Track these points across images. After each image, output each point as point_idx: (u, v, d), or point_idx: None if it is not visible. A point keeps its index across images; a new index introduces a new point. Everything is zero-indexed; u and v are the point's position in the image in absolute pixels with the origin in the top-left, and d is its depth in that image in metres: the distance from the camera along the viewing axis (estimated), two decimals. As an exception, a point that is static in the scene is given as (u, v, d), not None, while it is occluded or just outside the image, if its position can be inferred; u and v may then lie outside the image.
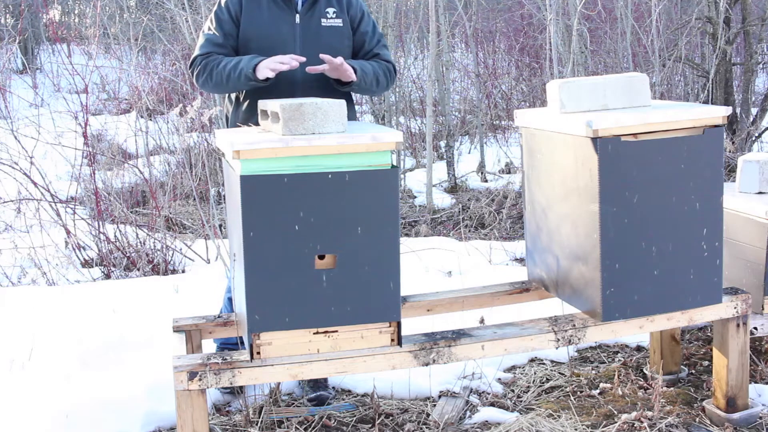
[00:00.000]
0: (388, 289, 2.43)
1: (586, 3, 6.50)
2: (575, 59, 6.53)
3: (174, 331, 2.86)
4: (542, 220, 2.94)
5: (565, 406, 3.06)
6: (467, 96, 9.93)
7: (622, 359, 3.51)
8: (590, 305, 2.69)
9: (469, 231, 5.90)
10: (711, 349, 3.16)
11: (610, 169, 2.54)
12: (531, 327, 2.69)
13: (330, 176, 2.35)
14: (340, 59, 2.88)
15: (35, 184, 4.99)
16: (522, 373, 3.41)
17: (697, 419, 2.94)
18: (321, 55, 2.87)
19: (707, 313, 2.79)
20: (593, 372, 3.40)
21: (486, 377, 3.30)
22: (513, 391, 3.26)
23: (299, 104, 2.41)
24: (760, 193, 3.22)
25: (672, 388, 3.18)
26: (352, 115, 3.11)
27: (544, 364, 3.50)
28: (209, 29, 3.04)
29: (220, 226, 5.26)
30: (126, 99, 10.19)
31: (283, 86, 2.91)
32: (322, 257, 2.39)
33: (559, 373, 3.39)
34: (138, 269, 4.82)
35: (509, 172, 7.75)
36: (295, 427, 2.91)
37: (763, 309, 3.09)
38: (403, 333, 2.53)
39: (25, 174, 4.97)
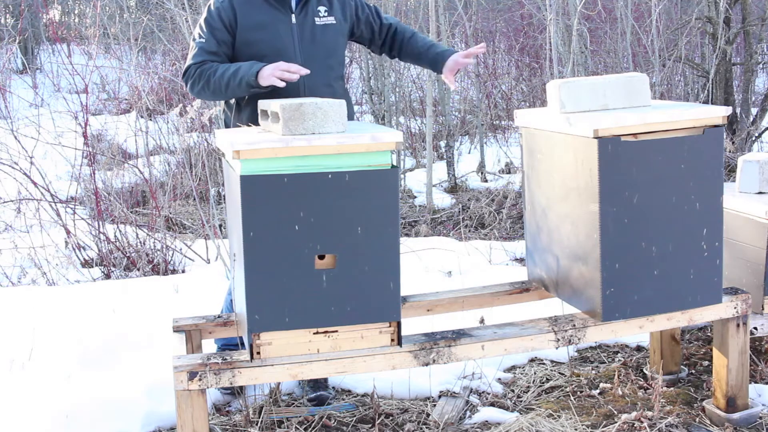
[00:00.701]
0: (388, 289, 2.43)
1: (586, 3, 6.50)
2: (575, 59, 6.53)
3: (174, 331, 2.86)
4: (542, 220, 2.94)
5: (565, 406, 3.06)
6: (467, 96, 9.93)
7: (622, 359, 3.51)
8: (590, 305, 2.69)
9: (469, 231, 5.90)
10: (711, 349, 3.16)
11: (610, 169, 2.54)
12: (531, 327, 2.69)
13: (330, 176, 2.35)
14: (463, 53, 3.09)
15: (35, 184, 4.99)
16: (522, 373, 3.41)
17: (697, 419, 2.94)
18: (473, 52, 3.08)
19: (707, 313, 2.79)
20: (593, 372, 3.40)
21: (486, 377, 3.30)
22: (513, 391, 3.26)
23: (299, 104, 2.41)
24: (760, 193, 3.22)
25: (672, 388, 3.18)
26: (350, 115, 3.11)
27: (544, 364, 3.50)
28: (200, 37, 2.98)
29: (220, 226, 5.26)
30: (126, 99, 10.19)
31: (285, 90, 2.87)
32: (322, 257, 2.39)
33: (559, 373, 3.39)
34: (138, 269, 4.82)
35: (509, 172, 7.75)
36: (295, 427, 2.91)
37: (763, 309, 3.09)
38: (403, 333, 2.53)
39: (25, 174, 4.97)
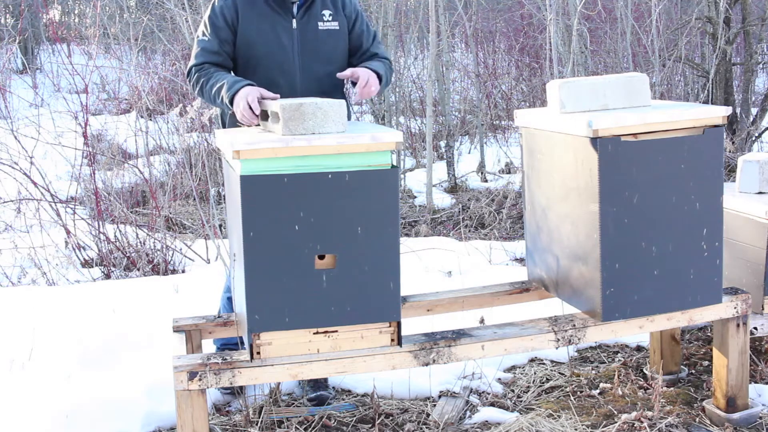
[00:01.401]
0: (388, 289, 2.43)
1: (586, 3, 6.50)
2: (575, 59, 6.53)
3: (174, 331, 2.86)
4: (542, 220, 2.94)
5: (565, 406, 3.06)
6: (467, 96, 9.93)
7: (622, 359, 3.51)
8: (590, 305, 2.69)
9: (469, 231, 5.90)
10: (711, 349, 3.16)
11: (610, 169, 2.54)
12: (531, 327, 2.69)
13: (330, 176, 2.35)
14: (365, 78, 2.91)
15: (35, 184, 4.99)
16: (522, 373, 3.41)
17: (697, 419, 2.94)
18: (352, 74, 2.93)
19: (707, 313, 2.79)
20: (593, 372, 3.40)
21: (486, 377, 3.30)
22: (513, 391, 3.26)
23: (299, 104, 2.41)
24: (760, 193, 3.22)
25: (672, 388, 3.18)
26: (348, 117, 3.10)
27: (544, 364, 3.50)
28: (203, 35, 2.98)
29: (220, 226, 5.26)
30: (126, 99, 10.19)
31: (284, 95, 2.86)
32: (322, 257, 2.39)
33: (559, 373, 3.39)
34: (138, 269, 4.82)
35: (509, 172, 7.75)
36: (295, 427, 2.91)
37: (763, 309, 3.09)
38: (403, 333, 2.53)
39: (25, 174, 4.97)
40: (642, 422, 2.87)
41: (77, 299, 4.02)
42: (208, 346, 3.26)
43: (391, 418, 3.03)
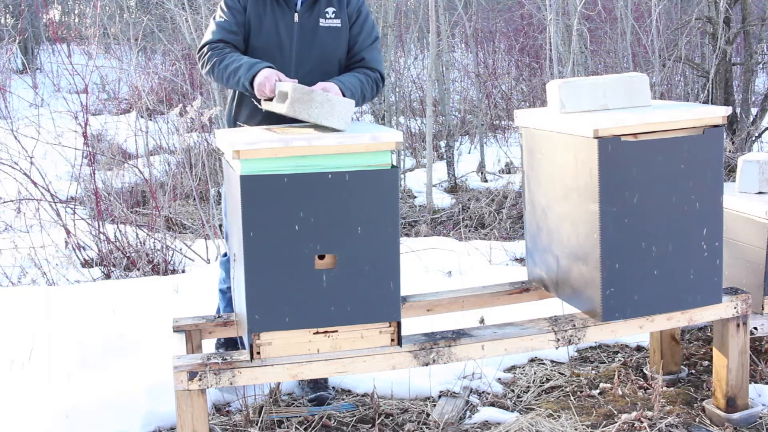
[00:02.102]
0: (388, 289, 2.43)
1: (586, 3, 6.50)
2: (575, 59, 6.53)
3: (174, 331, 2.87)
4: (542, 220, 2.94)
5: (565, 406, 3.05)
6: (467, 96, 9.93)
7: (622, 359, 3.50)
8: (590, 305, 2.69)
9: (469, 231, 5.90)
10: (711, 349, 3.16)
11: (610, 169, 2.54)
12: (531, 327, 2.69)
13: (330, 176, 2.35)
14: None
15: (35, 184, 4.99)
16: (522, 373, 3.41)
17: (697, 419, 2.94)
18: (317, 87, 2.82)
19: (707, 313, 2.79)
20: (593, 372, 3.40)
21: (486, 377, 3.30)
22: (513, 391, 3.26)
23: (311, 90, 2.42)
24: (760, 193, 3.22)
25: (672, 388, 3.18)
26: None
27: (544, 364, 3.50)
28: (220, 17, 2.97)
29: (220, 226, 5.26)
30: (126, 99, 10.18)
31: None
32: (322, 257, 2.39)
33: (559, 373, 3.39)
34: (138, 269, 4.82)
35: (509, 172, 7.75)
36: (295, 427, 2.91)
37: (763, 309, 3.09)
38: (403, 333, 2.53)
39: (25, 174, 4.97)
40: (642, 422, 2.87)
41: (77, 299, 4.02)
42: (208, 346, 3.26)
43: (391, 418, 3.03)
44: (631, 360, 3.47)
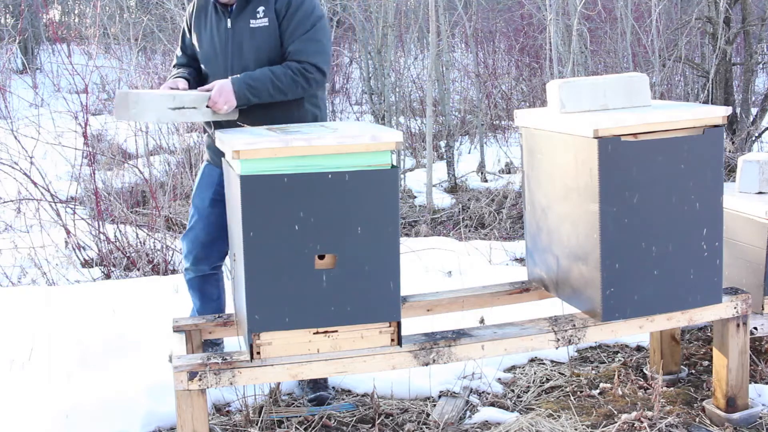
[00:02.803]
0: (388, 289, 2.43)
1: (586, 3, 6.50)
2: (575, 59, 6.53)
3: (174, 331, 2.86)
4: (542, 220, 2.94)
5: (565, 406, 3.06)
6: (467, 96, 9.93)
7: (622, 359, 3.51)
8: (590, 305, 2.69)
9: (469, 231, 5.90)
10: (711, 349, 3.16)
11: (610, 169, 2.54)
12: (531, 327, 2.69)
13: (330, 176, 2.35)
14: (207, 94, 2.83)
15: (35, 184, 4.99)
16: (522, 373, 3.41)
17: (697, 419, 2.94)
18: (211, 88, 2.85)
19: (707, 313, 2.79)
20: (593, 372, 3.40)
21: (486, 377, 3.30)
22: (513, 391, 3.26)
23: (125, 93, 2.67)
24: (760, 193, 3.22)
25: (672, 388, 3.18)
26: (312, 115, 3.03)
27: (544, 364, 3.50)
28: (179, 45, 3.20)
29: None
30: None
31: None
32: (322, 257, 2.39)
33: (559, 373, 3.39)
34: (138, 269, 4.82)
35: (509, 172, 7.75)
36: (295, 427, 2.91)
37: (763, 309, 3.09)
38: (403, 333, 2.53)
39: (25, 174, 4.97)
40: (642, 422, 2.87)
41: (77, 299, 4.02)
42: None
43: (391, 418, 3.03)
44: (631, 360, 3.47)
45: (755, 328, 3.07)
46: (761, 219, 3.04)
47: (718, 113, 2.65)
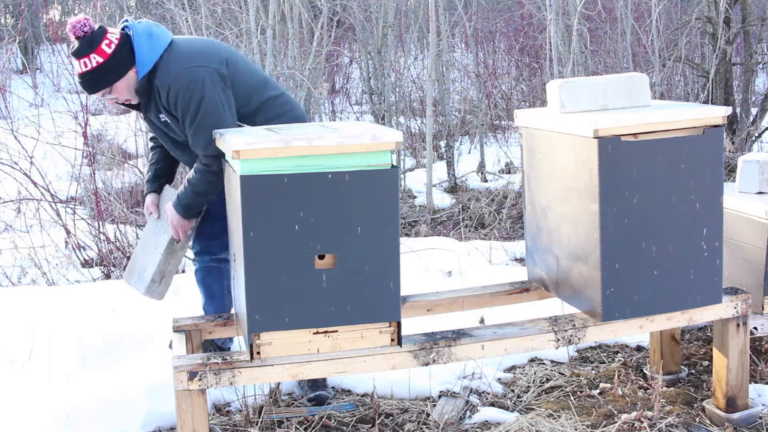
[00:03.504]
0: (388, 289, 2.43)
1: (586, 3, 6.50)
2: (575, 59, 6.53)
3: (174, 331, 2.86)
4: (542, 220, 2.94)
5: (565, 406, 3.05)
6: (467, 96, 9.93)
7: (622, 359, 3.51)
8: (590, 305, 2.69)
9: (469, 231, 5.90)
10: (711, 349, 3.16)
11: (610, 169, 2.54)
12: (531, 327, 2.69)
13: (330, 176, 2.35)
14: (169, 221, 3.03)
15: (35, 184, 4.99)
16: (522, 373, 3.41)
17: (697, 419, 2.94)
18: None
19: (707, 313, 2.79)
20: (593, 372, 3.40)
21: (486, 377, 3.30)
22: (513, 391, 3.26)
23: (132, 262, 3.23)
24: (760, 193, 3.22)
25: (672, 388, 3.18)
26: (292, 117, 3.04)
27: (544, 364, 3.50)
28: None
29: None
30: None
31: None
32: (322, 257, 2.39)
33: (559, 373, 3.39)
34: (138, 269, 4.81)
35: (509, 172, 7.75)
36: (295, 427, 2.91)
37: (763, 309, 3.09)
38: (403, 333, 2.53)
39: (25, 174, 4.97)
40: (642, 422, 2.87)
41: (77, 299, 4.02)
42: (208, 346, 3.26)
43: (391, 418, 3.03)
44: (631, 360, 3.47)
45: (755, 328, 3.07)
46: (761, 219, 3.04)
47: (718, 113, 2.65)
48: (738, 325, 2.85)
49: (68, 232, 4.93)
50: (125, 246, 4.90)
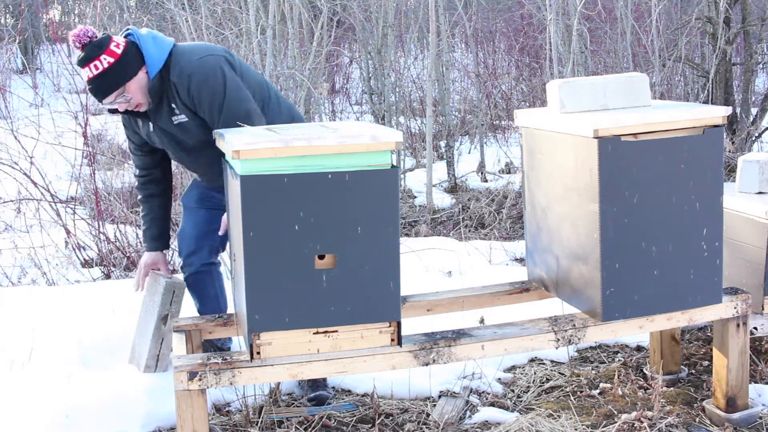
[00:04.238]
0: (388, 289, 2.43)
1: (586, 3, 6.50)
2: (575, 59, 6.53)
3: (174, 331, 2.86)
4: (542, 220, 2.94)
5: (565, 406, 3.06)
6: (467, 96, 9.93)
7: (622, 359, 3.51)
8: (590, 305, 2.69)
9: (469, 231, 5.90)
10: (711, 349, 3.16)
11: (610, 169, 2.54)
12: (531, 327, 2.69)
13: (330, 176, 2.35)
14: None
15: (35, 184, 4.99)
16: (522, 373, 3.41)
17: (697, 419, 2.94)
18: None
19: (707, 313, 2.79)
20: (593, 372, 3.40)
21: (486, 377, 3.30)
22: (513, 391, 3.26)
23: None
24: (760, 193, 3.22)
25: (672, 388, 3.18)
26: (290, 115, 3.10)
27: (544, 364, 3.50)
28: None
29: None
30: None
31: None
32: (322, 257, 2.39)
33: (559, 373, 3.39)
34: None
35: (509, 172, 7.75)
36: (295, 427, 2.91)
37: (763, 309, 3.09)
38: (403, 333, 2.53)
39: (25, 174, 4.97)
40: (642, 422, 2.87)
41: (77, 299, 4.02)
42: (208, 346, 3.26)
43: (391, 418, 3.03)
44: (631, 360, 3.47)
45: (755, 328, 3.07)
46: (761, 219, 3.04)
47: (718, 113, 2.65)
48: (738, 325, 2.85)
49: (68, 232, 4.93)
50: (125, 246, 4.91)
